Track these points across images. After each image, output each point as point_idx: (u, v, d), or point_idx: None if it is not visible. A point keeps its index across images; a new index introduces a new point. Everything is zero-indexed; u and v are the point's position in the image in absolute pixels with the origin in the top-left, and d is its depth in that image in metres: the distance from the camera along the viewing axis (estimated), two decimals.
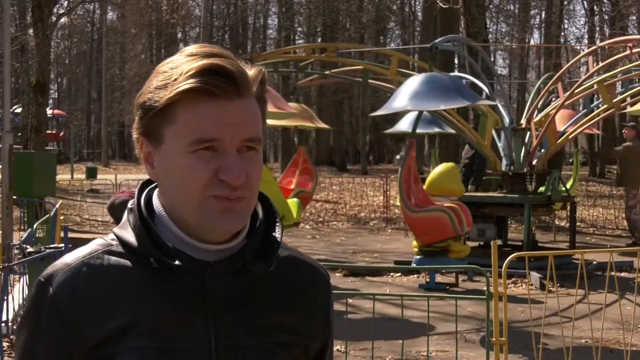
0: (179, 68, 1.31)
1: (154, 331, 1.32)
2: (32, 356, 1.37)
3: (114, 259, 1.36)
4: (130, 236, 1.37)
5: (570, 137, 12.52)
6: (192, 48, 1.34)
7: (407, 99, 9.84)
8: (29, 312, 1.38)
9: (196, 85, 1.28)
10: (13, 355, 6.56)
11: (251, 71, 1.34)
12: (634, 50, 11.15)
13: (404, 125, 15.03)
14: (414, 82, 10.13)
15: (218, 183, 1.30)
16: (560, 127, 12.13)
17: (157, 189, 1.41)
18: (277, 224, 1.42)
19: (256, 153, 1.33)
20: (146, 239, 1.34)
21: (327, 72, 14.13)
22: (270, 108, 10.02)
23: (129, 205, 1.40)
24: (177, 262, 1.32)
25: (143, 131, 1.36)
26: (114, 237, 1.40)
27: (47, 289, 1.35)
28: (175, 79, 1.30)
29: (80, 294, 1.33)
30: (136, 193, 1.42)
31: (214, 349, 1.34)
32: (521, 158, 11.95)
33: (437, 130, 15.37)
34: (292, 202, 11.32)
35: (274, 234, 1.41)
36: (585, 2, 36.61)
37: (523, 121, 12.30)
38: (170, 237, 1.35)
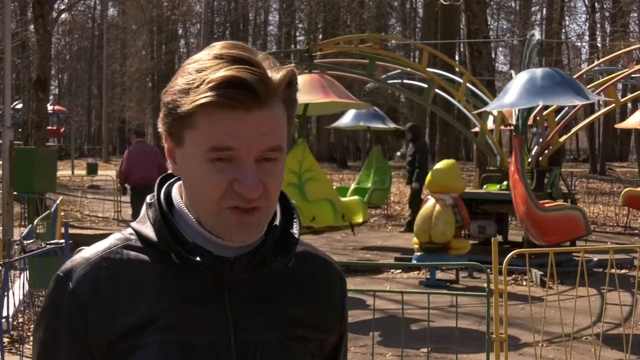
0: (203, 73, 1.30)
1: (174, 325, 1.33)
2: (52, 351, 1.38)
3: (133, 253, 1.37)
4: (149, 231, 1.37)
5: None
6: (221, 48, 1.33)
7: (531, 94, 9.51)
8: (48, 307, 1.39)
9: (214, 100, 1.27)
10: (13, 351, 6.58)
11: (278, 75, 1.31)
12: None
13: (346, 120, 15.01)
14: (530, 77, 9.80)
15: (233, 194, 1.30)
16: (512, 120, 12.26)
17: (177, 184, 1.42)
18: (295, 220, 1.43)
19: (276, 162, 1.32)
20: (167, 235, 1.35)
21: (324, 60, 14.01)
22: (332, 99, 9.96)
23: (148, 200, 1.41)
24: (198, 259, 1.33)
25: (166, 129, 1.36)
26: (132, 232, 1.40)
27: (67, 283, 1.36)
28: (198, 86, 1.29)
29: (101, 288, 1.34)
30: (155, 188, 1.43)
31: (233, 342, 1.35)
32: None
33: (380, 125, 15.35)
34: (355, 201, 11.05)
35: (291, 230, 1.42)
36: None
37: (530, 119, 12.29)
38: (190, 232, 1.36)
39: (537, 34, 12.22)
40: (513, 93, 9.77)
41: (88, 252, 1.39)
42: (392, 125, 16.06)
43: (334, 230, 10.51)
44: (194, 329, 1.33)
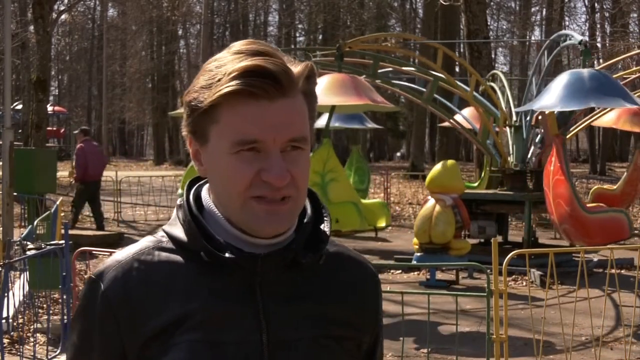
0: (224, 68, 1.31)
1: (205, 324, 1.33)
2: (86, 352, 1.39)
3: (164, 254, 1.38)
4: (179, 232, 1.38)
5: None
6: (240, 45, 1.34)
7: (581, 96, 9.47)
8: (81, 310, 1.40)
9: (237, 88, 1.28)
10: (13, 351, 6.58)
11: (297, 68, 1.33)
12: None
13: (322, 120, 14.73)
14: (577, 78, 9.74)
15: (261, 184, 1.30)
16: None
17: (206, 186, 1.42)
18: (325, 218, 1.43)
19: (301, 152, 1.33)
20: (196, 234, 1.35)
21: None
22: (366, 101, 9.85)
23: (178, 202, 1.42)
24: (227, 255, 1.33)
25: (190, 129, 1.37)
26: (164, 234, 1.41)
27: (99, 285, 1.36)
28: (219, 80, 1.30)
29: (132, 289, 1.35)
30: (185, 190, 1.44)
31: (266, 341, 1.34)
32: (521, 155, 11.96)
33: (357, 126, 15.12)
34: (377, 204, 10.78)
35: (322, 227, 1.41)
36: (586, 0, 36.62)
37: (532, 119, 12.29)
38: (220, 231, 1.36)
39: (576, 35, 12.07)
40: (557, 94, 9.64)
41: (120, 255, 1.40)
42: (369, 125, 15.84)
43: (357, 233, 10.39)
44: (225, 327, 1.33)
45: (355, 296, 1.45)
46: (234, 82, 1.28)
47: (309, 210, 1.42)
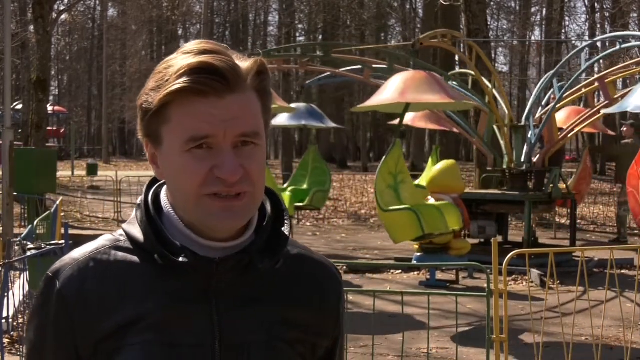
0: (172, 68, 1.32)
1: (159, 326, 1.33)
2: (40, 349, 1.39)
3: (120, 254, 1.38)
4: (137, 232, 1.38)
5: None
6: (189, 45, 1.35)
7: None
8: (37, 307, 1.40)
9: (185, 85, 1.29)
10: (14, 351, 6.58)
11: (246, 64, 1.33)
12: None
13: (282, 119, 14.41)
14: None
15: (215, 180, 1.30)
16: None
17: (165, 186, 1.42)
18: (286, 220, 1.42)
19: (255, 147, 1.33)
20: (150, 235, 1.35)
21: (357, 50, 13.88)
22: (445, 99, 9.69)
23: (137, 201, 1.42)
24: (180, 259, 1.33)
25: (145, 132, 1.37)
26: (122, 233, 1.41)
27: (54, 283, 1.37)
28: (167, 80, 1.31)
29: (87, 288, 1.35)
30: (144, 190, 1.44)
31: (218, 344, 1.35)
32: (522, 155, 11.95)
33: (318, 124, 14.71)
34: (448, 206, 10.25)
35: (282, 229, 1.41)
36: (586, 0, 36.63)
37: (537, 118, 12.27)
38: (177, 234, 1.36)
39: None
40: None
41: (77, 253, 1.40)
42: (331, 125, 15.56)
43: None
44: (180, 330, 1.34)
45: (317, 299, 1.44)
46: (181, 80, 1.29)
47: (269, 212, 1.42)
